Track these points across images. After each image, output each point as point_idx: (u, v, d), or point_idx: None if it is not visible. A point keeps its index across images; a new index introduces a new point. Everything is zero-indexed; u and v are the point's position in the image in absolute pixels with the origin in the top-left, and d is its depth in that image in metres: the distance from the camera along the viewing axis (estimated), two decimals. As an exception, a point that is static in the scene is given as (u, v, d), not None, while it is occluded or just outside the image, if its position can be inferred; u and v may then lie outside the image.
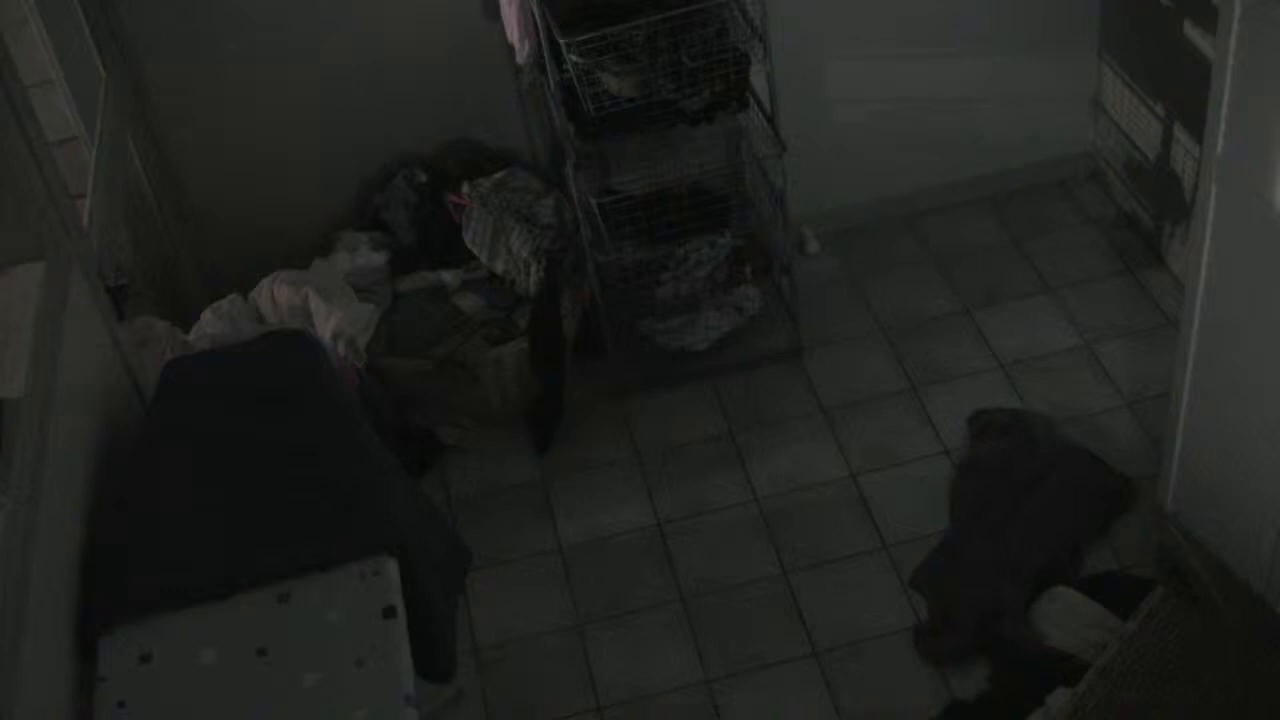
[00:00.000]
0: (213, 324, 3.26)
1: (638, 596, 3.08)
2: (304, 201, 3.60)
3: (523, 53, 3.25)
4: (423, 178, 3.58)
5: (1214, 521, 2.71)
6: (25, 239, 2.22)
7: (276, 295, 3.32)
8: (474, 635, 3.04)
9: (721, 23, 3.24)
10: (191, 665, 1.94)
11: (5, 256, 2.22)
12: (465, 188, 3.52)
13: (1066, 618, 2.78)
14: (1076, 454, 3.21)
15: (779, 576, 3.07)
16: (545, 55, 3.15)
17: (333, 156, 3.58)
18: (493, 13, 3.36)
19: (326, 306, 3.26)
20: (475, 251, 3.48)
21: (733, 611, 3.02)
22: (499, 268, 3.46)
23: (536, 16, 3.12)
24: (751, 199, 3.75)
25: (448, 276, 3.52)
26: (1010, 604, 2.86)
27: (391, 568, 2.07)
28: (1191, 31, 3.25)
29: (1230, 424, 2.58)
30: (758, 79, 3.40)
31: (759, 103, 3.44)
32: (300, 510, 2.14)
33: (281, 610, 2.01)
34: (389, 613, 1.99)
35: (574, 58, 3.06)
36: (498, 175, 3.54)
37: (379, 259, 3.50)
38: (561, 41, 3.03)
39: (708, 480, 3.32)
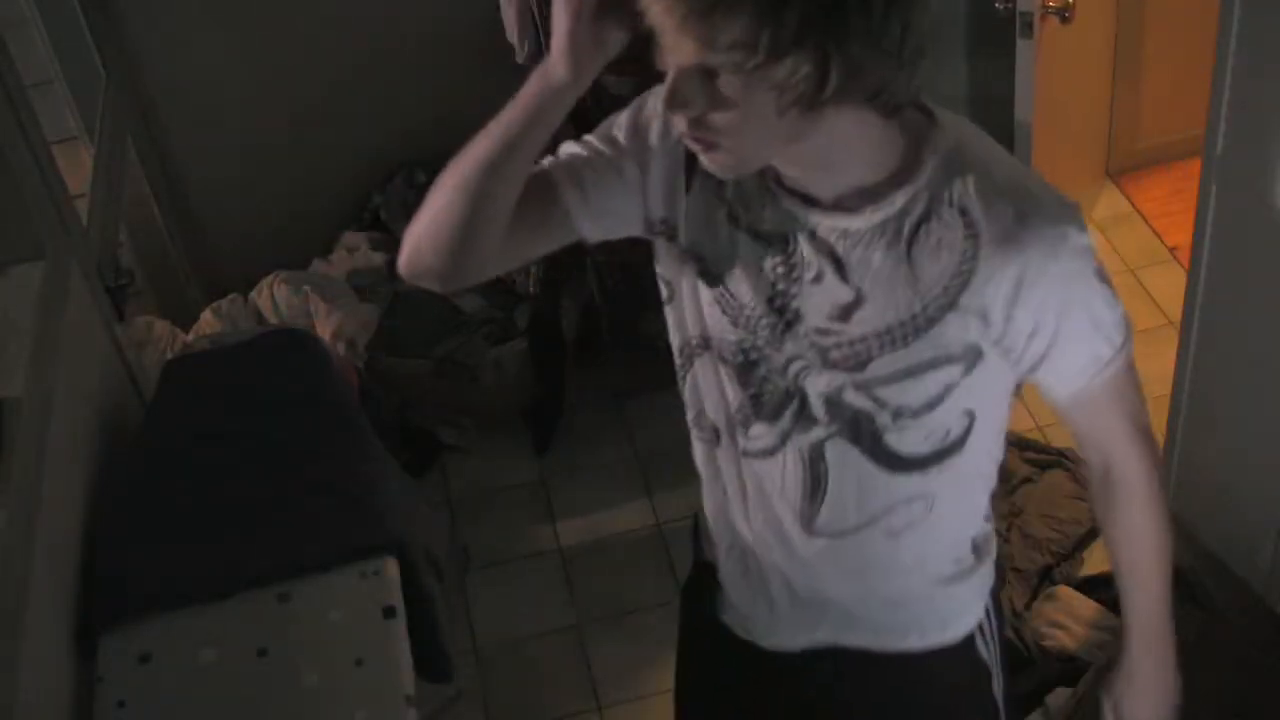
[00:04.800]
0: (213, 324, 3.26)
1: (638, 596, 3.08)
2: (304, 201, 3.60)
3: (523, 53, 3.25)
4: (423, 178, 3.58)
5: (1214, 521, 2.71)
6: (25, 239, 2.22)
7: (276, 295, 3.32)
8: (474, 635, 3.04)
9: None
10: (191, 665, 1.94)
11: (5, 256, 2.21)
12: (465, 188, 3.51)
13: (1066, 618, 2.78)
14: (1067, 454, 3.21)
15: (779, 576, 3.08)
16: (545, 55, 3.14)
17: (333, 157, 3.58)
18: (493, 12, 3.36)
19: (326, 306, 3.26)
20: (475, 251, 3.47)
21: (733, 611, 3.02)
22: (499, 268, 3.46)
23: (536, 16, 3.12)
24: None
25: (447, 276, 3.52)
26: (1010, 604, 2.86)
27: (391, 568, 2.07)
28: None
29: (1230, 424, 2.58)
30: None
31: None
32: (300, 510, 2.14)
33: (281, 610, 2.01)
34: (389, 613, 1.99)
35: (574, 58, 3.06)
36: (498, 175, 3.54)
37: (379, 259, 3.50)
38: (561, 41, 3.03)
39: (708, 480, 3.32)
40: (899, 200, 1.29)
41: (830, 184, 1.30)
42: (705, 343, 1.46)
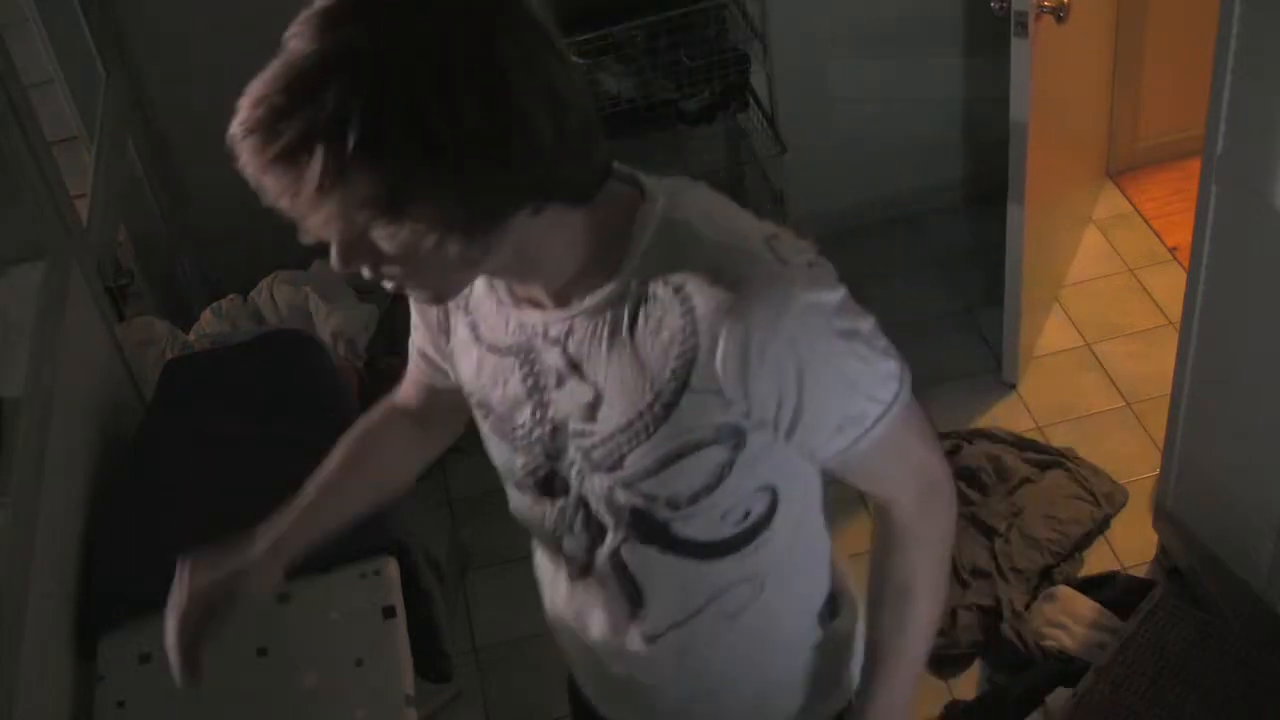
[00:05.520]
0: (213, 324, 3.26)
1: (638, 596, 3.08)
2: (304, 201, 3.59)
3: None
4: (423, 177, 3.58)
5: (1214, 521, 2.71)
6: (25, 239, 2.22)
7: (276, 295, 3.32)
8: (474, 635, 3.04)
9: (721, 23, 3.25)
10: (191, 665, 1.94)
11: (5, 256, 2.22)
12: (465, 188, 3.51)
13: (1066, 618, 2.78)
14: (1067, 454, 3.21)
15: (779, 576, 3.07)
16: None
17: (333, 156, 3.57)
18: (493, 13, 3.36)
19: (326, 306, 3.26)
20: (475, 251, 3.47)
21: (733, 611, 3.02)
22: (499, 268, 3.45)
23: (536, 16, 3.12)
24: (751, 199, 3.75)
25: (448, 276, 3.51)
26: (1010, 604, 2.86)
27: (391, 568, 2.07)
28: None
29: (1230, 424, 2.58)
30: (758, 79, 3.40)
31: (759, 103, 3.44)
32: (300, 510, 2.14)
33: (281, 610, 2.01)
34: (389, 613, 1.99)
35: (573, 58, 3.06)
36: (498, 175, 3.53)
37: (379, 259, 3.50)
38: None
39: (708, 480, 3.32)
40: (611, 285, 1.22)
41: (544, 283, 1.25)
42: (505, 473, 1.43)
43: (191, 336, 3.17)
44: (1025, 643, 2.77)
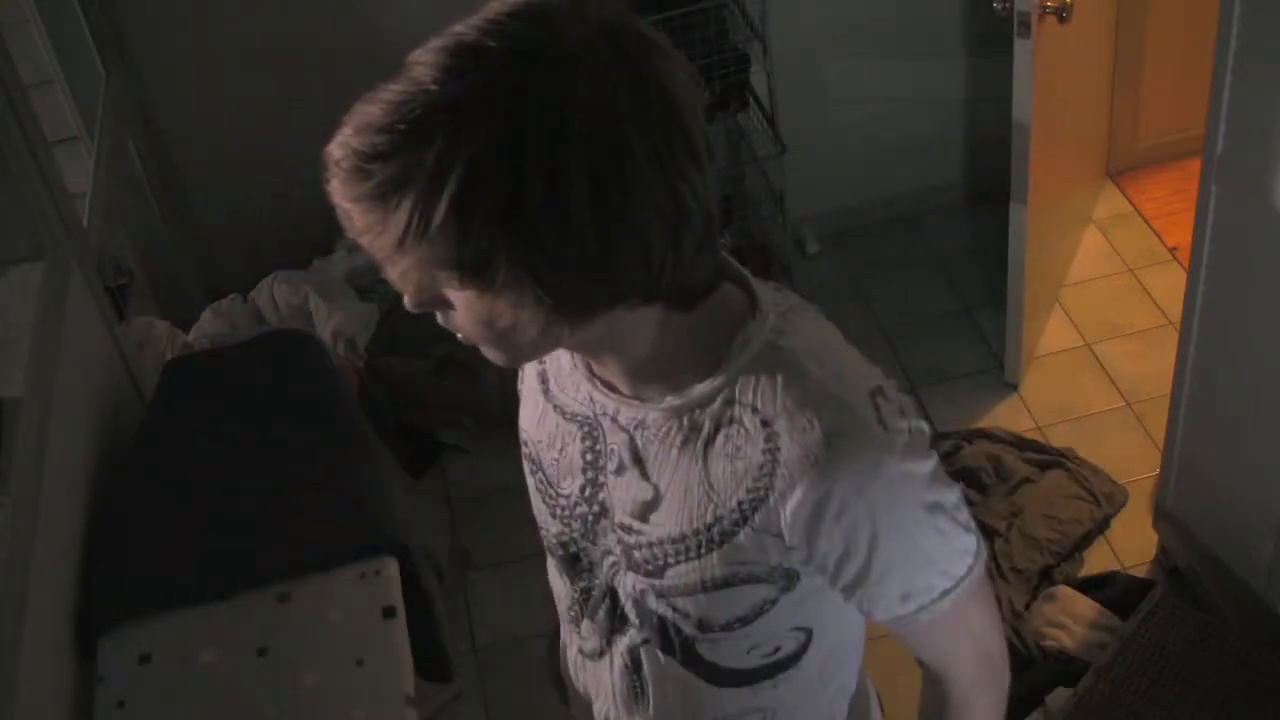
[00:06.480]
0: (213, 324, 3.26)
1: (638, 596, 3.08)
2: (304, 201, 3.58)
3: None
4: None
5: (1214, 521, 2.71)
6: (25, 239, 2.22)
7: (276, 295, 3.32)
8: (474, 635, 3.04)
9: (721, 23, 3.25)
10: (191, 665, 1.94)
11: (5, 256, 2.21)
12: (465, 188, 3.51)
13: (1066, 618, 2.78)
14: (1067, 454, 3.21)
15: (779, 576, 3.07)
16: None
17: (333, 156, 3.57)
18: (493, 13, 3.35)
19: (326, 306, 3.26)
20: (475, 251, 3.47)
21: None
22: (499, 268, 3.45)
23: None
24: (751, 199, 3.75)
25: (448, 276, 3.52)
26: (1010, 604, 2.86)
27: (391, 568, 2.07)
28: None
29: (1230, 424, 2.58)
30: (757, 79, 3.40)
31: (759, 103, 3.44)
32: (300, 510, 2.14)
33: (281, 610, 2.01)
34: (389, 613, 1.99)
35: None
36: (498, 175, 3.53)
37: (379, 259, 3.50)
38: (561, 41, 3.02)
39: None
40: (696, 391, 1.15)
41: (623, 368, 1.18)
42: (543, 533, 1.39)
43: (191, 336, 3.17)
44: (1025, 643, 2.77)
